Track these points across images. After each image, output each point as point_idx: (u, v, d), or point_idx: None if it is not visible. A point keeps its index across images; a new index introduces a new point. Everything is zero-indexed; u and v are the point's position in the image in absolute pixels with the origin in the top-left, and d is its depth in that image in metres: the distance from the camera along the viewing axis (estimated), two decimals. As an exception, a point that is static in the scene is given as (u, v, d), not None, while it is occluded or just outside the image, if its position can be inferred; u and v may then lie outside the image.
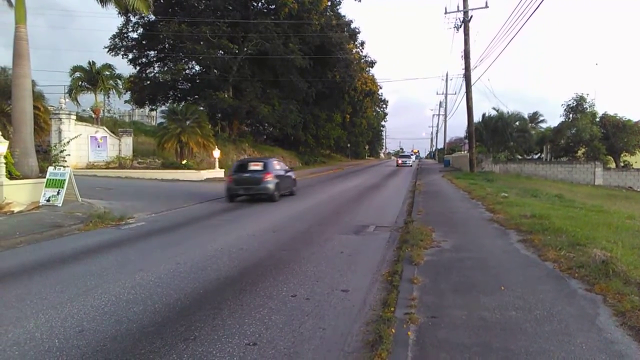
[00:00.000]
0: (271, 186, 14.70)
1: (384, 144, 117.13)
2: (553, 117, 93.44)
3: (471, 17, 28.77)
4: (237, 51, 35.52)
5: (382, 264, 6.94)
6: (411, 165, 48.38)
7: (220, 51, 35.00)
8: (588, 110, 34.88)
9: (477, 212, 12.09)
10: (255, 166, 15.32)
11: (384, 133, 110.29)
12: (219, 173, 27.27)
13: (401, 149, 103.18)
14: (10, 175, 12.16)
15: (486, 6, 28.35)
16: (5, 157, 11.85)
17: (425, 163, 73.93)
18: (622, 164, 36.05)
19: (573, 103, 35.18)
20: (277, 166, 16.00)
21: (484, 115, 38.95)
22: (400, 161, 52.25)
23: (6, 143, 11.87)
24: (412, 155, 75.99)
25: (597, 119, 34.96)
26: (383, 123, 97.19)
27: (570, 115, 35.53)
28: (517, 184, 21.78)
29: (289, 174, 16.86)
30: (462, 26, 28.95)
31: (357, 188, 21.06)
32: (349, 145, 69.08)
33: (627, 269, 5.43)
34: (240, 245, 8.25)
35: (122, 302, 5.09)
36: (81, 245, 8.36)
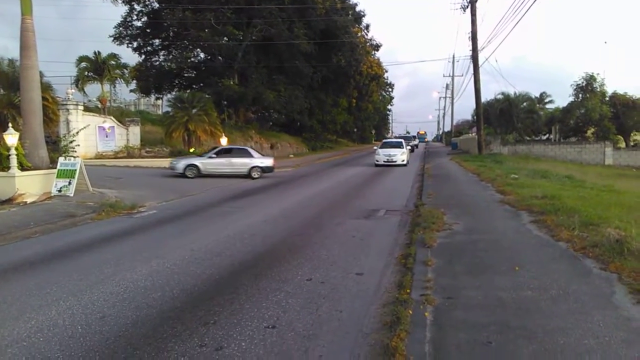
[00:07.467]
0: None
1: (390, 128, 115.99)
2: (562, 98, 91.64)
3: (478, -4, 28.35)
4: (241, 37, 35.24)
5: (394, 247, 6.97)
6: (405, 163, 24.61)
7: (225, 38, 34.73)
8: (598, 89, 34.38)
9: (487, 194, 12.06)
10: None
11: (390, 117, 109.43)
12: (226, 160, 27.34)
13: (407, 132, 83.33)
14: (22, 167, 12.25)
15: (493, -15, 27.89)
16: (16, 149, 11.91)
17: (432, 146, 73.48)
18: (632, 144, 35.68)
19: (582, 82, 34.64)
20: None
21: (487, 101, 38.14)
22: (383, 158, 24.86)
23: (17, 134, 11.92)
24: (412, 138, 52.75)
25: (607, 98, 34.48)
26: (389, 107, 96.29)
27: (580, 95, 35.04)
28: (527, 165, 21.64)
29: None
30: (469, 7, 28.55)
31: (365, 172, 21.03)
32: (355, 129, 68.74)
33: (642, 248, 5.41)
34: (253, 231, 8.30)
35: (140, 288, 5.16)
36: (95, 234, 8.45)
